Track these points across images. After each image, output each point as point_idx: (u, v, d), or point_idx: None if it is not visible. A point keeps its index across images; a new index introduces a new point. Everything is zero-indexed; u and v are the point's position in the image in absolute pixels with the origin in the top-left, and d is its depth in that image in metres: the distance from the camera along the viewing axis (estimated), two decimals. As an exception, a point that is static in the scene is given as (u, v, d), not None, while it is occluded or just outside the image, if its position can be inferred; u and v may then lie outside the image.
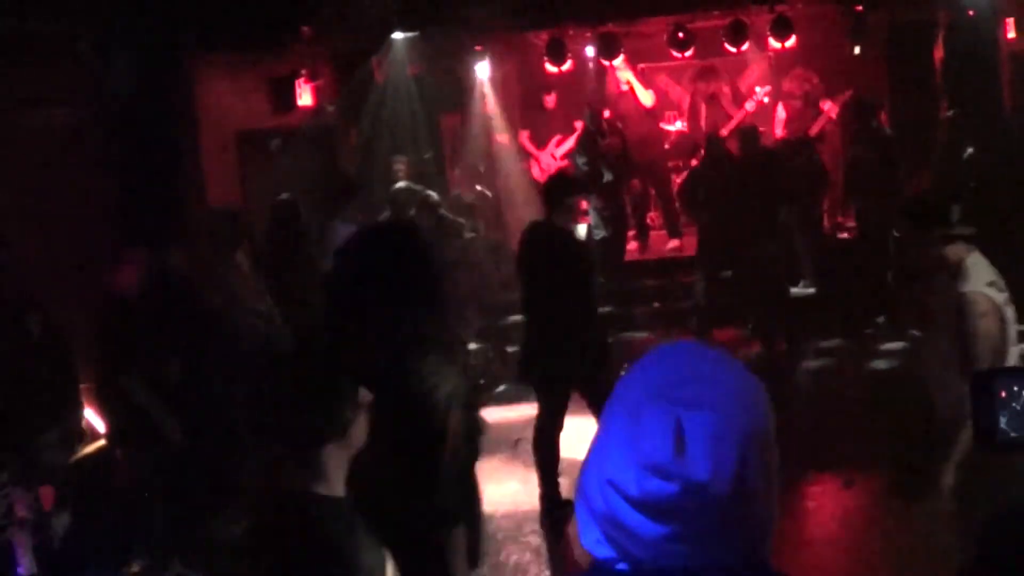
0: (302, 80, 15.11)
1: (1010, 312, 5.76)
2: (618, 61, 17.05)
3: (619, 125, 16.76)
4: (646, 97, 17.41)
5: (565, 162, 17.64)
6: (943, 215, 5.90)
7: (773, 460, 2.10)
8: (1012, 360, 5.70)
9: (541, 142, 17.93)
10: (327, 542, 3.56)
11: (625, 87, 17.25)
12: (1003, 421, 2.06)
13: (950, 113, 15.29)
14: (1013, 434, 2.06)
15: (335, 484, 3.68)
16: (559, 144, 17.79)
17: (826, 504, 9.04)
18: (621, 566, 2.05)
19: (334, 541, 3.56)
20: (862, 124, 14.66)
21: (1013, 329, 5.78)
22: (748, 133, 15.08)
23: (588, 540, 2.10)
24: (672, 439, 2.00)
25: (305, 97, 15.27)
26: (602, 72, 17.82)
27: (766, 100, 17.62)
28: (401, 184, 13.97)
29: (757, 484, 2.04)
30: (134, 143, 12.21)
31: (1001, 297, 5.73)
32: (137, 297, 8.76)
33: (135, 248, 9.36)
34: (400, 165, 14.89)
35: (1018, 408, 2.05)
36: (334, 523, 3.59)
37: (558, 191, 9.68)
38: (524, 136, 18.12)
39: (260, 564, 3.70)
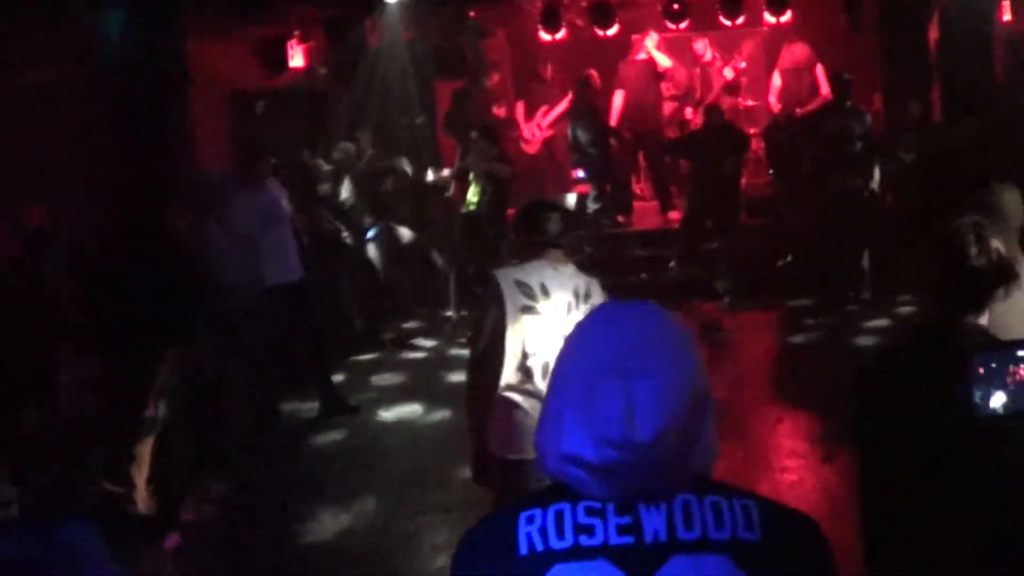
0: (294, 42, 15.06)
1: None
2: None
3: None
4: (663, 59, 17.38)
5: (550, 132, 17.69)
6: None
7: (708, 404, 2.33)
8: None
9: (534, 112, 17.94)
10: None
11: (643, 55, 17.20)
12: (978, 396, 2.09)
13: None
14: (987, 409, 2.10)
15: None
16: (545, 115, 17.79)
17: (806, 478, 9.07)
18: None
19: None
20: (838, 100, 14.65)
21: None
22: (713, 110, 15.48)
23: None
24: (624, 411, 2.19)
25: (297, 59, 15.22)
26: (608, 41, 17.85)
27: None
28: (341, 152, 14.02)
29: (698, 430, 2.28)
30: (126, 103, 12.14)
31: None
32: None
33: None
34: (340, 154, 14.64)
35: (992, 383, 2.09)
36: None
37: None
38: (519, 107, 18.11)
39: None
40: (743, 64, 18.38)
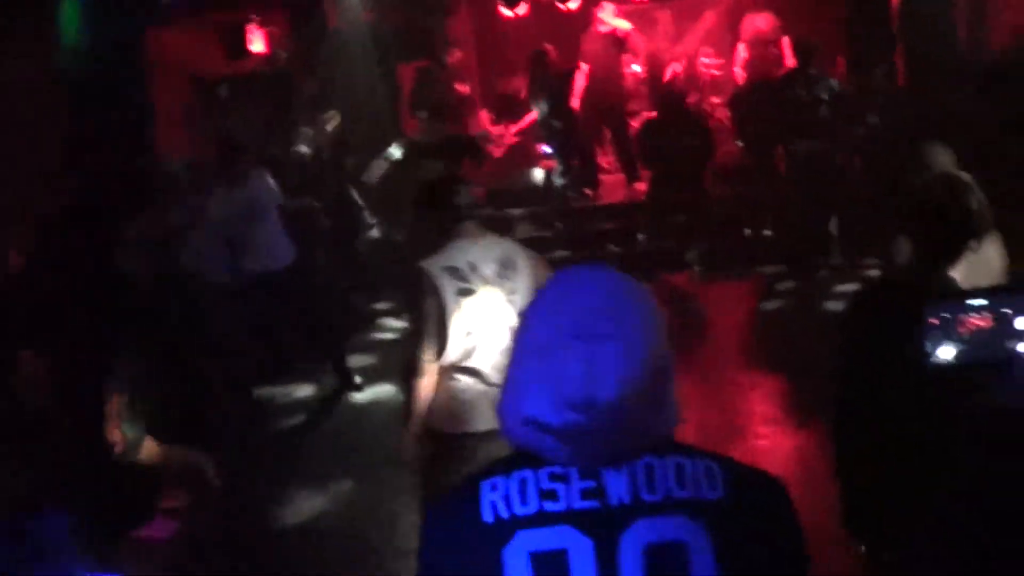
0: (254, 26, 14.99)
1: None
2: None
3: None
4: (622, 23, 17.32)
5: (517, 140, 17.67)
6: None
7: (669, 365, 2.34)
8: None
9: (499, 116, 17.94)
10: None
11: (604, 27, 17.13)
12: (929, 346, 2.11)
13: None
14: (940, 359, 2.11)
15: None
16: (517, 124, 17.78)
17: (781, 444, 9.10)
18: None
19: None
20: (802, 66, 14.65)
21: None
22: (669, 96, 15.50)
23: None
24: (586, 374, 2.22)
25: (257, 43, 15.15)
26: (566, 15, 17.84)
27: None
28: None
29: (660, 392, 2.30)
30: (85, 89, 12.08)
31: None
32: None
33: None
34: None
35: (945, 333, 2.10)
36: None
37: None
38: (484, 115, 18.09)
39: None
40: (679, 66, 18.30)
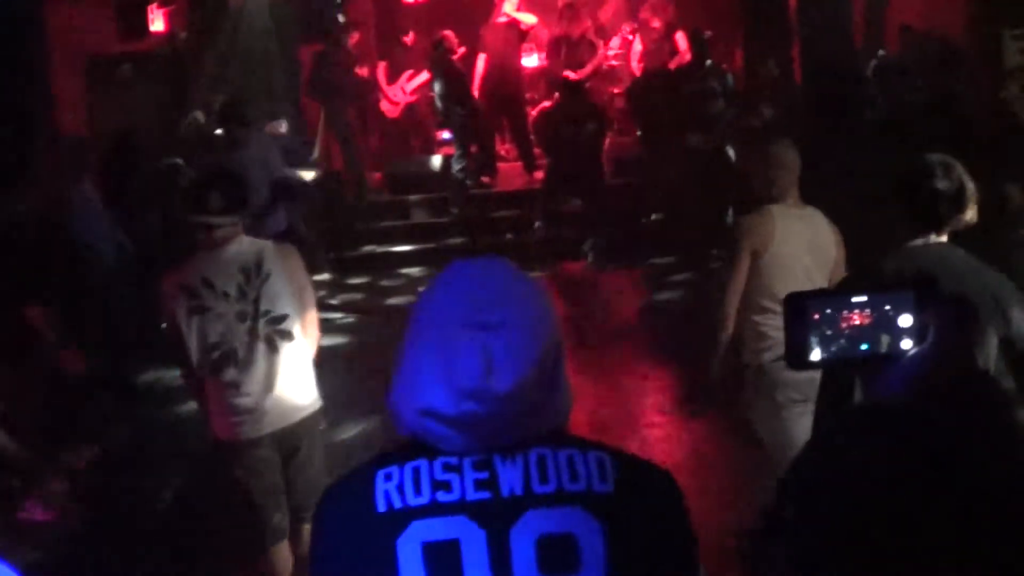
0: (154, 5, 14.82)
1: None
2: None
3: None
4: (528, 17, 17.34)
5: (414, 97, 17.65)
6: None
7: (561, 353, 2.38)
8: None
9: (396, 75, 17.89)
10: None
11: (504, 18, 17.14)
12: (813, 341, 2.16)
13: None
14: (822, 354, 2.16)
15: None
16: (410, 79, 17.75)
17: (673, 433, 9.19)
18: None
19: None
20: (697, 59, 14.80)
21: None
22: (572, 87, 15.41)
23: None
24: (482, 363, 2.25)
25: (157, 23, 14.98)
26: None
27: (630, 37, 17.92)
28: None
29: (554, 381, 2.34)
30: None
31: None
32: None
33: None
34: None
35: (827, 329, 2.15)
36: None
37: None
38: (381, 69, 18.04)
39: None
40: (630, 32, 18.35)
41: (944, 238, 5.01)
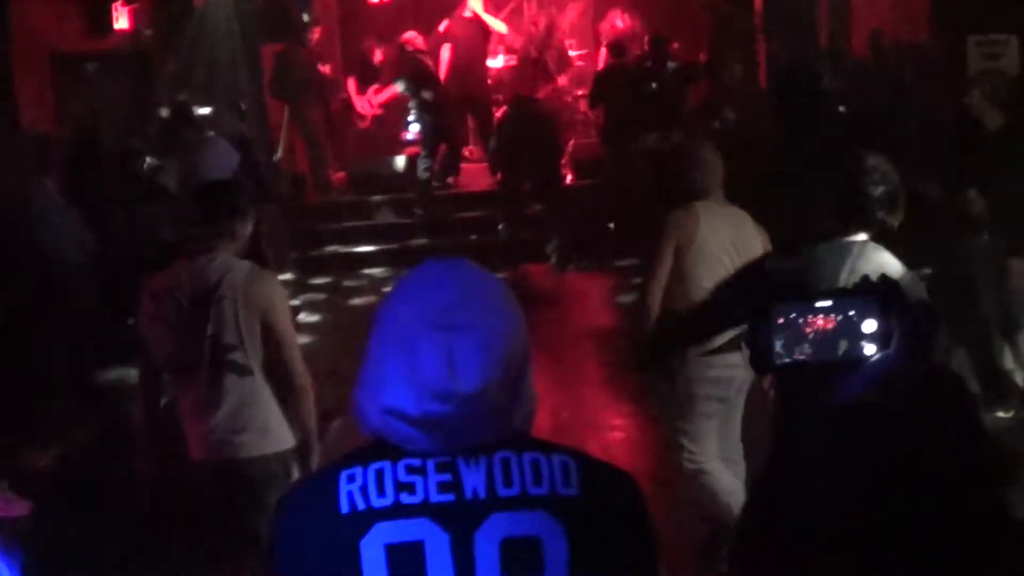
0: (119, 3, 14.72)
1: None
2: None
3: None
4: (499, 25, 17.34)
5: (380, 111, 17.61)
6: None
7: (527, 356, 2.39)
8: None
9: (364, 89, 17.86)
10: None
11: (469, 14, 17.11)
12: (778, 345, 2.17)
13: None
14: (787, 358, 2.17)
15: None
16: (377, 92, 17.71)
17: (635, 435, 9.20)
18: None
19: None
20: (657, 63, 14.82)
21: None
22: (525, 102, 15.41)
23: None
24: (446, 364, 2.26)
25: (122, 20, 14.88)
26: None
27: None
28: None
29: (519, 382, 2.35)
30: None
31: None
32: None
33: None
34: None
35: (791, 333, 2.16)
36: None
37: None
38: (351, 83, 17.98)
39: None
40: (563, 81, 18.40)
41: (864, 236, 5.27)
